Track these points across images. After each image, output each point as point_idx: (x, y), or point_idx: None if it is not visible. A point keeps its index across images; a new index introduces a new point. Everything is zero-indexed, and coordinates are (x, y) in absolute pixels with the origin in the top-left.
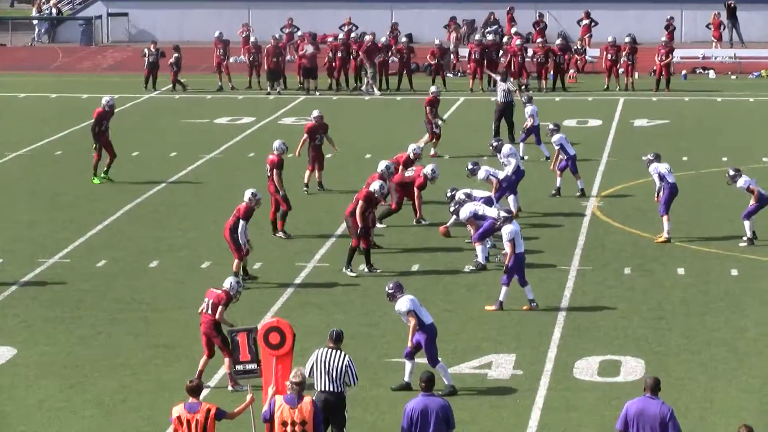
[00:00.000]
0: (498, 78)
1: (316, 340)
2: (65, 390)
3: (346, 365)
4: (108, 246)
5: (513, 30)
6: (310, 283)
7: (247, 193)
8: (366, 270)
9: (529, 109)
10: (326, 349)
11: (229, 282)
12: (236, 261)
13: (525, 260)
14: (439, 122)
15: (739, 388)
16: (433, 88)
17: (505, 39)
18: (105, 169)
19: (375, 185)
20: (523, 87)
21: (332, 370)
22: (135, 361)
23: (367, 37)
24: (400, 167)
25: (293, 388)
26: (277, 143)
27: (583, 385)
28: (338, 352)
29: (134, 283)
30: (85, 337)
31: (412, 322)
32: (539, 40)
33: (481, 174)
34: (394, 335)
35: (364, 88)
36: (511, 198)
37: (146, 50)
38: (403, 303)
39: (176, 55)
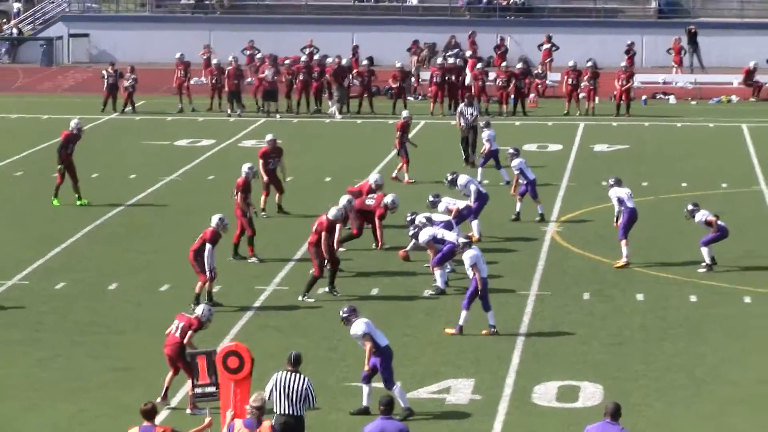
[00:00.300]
0: (464, 104)
1: (275, 364)
2: (23, 412)
3: (305, 388)
4: (67, 268)
5: (469, 54)
6: (270, 306)
7: (215, 218)
8: (328, 290)
9: (486, 133)
10: (285, 372)
11: (201, 309)
12: (199, 284)
13: (488, 285)
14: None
15: (697, 414)
16: (404, 113)
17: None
18: (77, 195)
19: (332, 211)
20: (483, 111)
21: (292, 393)
22: (93, 384)
23: (334, 60)
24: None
25: (253, 413)
26: (245, 166)
27: (541, 410)
28: (297, 375)
29: (93, 306)
30: (43, 359)
31: (368, 345)
32: (503, 64)
33: (441, 207)
34: (354, 358)
35: (330, 110)
36: (474, 223)
37: (104, 72)
38: (359, 326)
39: (133, 76)
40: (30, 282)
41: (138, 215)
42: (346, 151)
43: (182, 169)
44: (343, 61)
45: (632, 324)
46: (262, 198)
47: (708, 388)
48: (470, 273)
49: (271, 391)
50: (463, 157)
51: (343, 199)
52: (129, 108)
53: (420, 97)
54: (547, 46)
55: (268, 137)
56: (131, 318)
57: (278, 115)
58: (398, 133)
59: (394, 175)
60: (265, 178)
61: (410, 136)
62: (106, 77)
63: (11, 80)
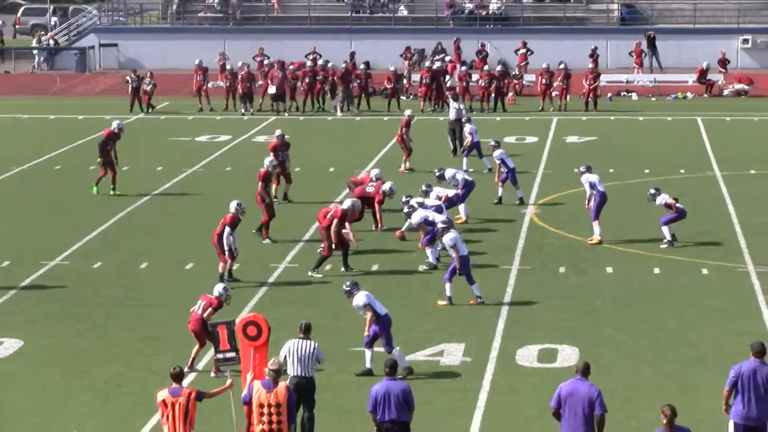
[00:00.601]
0: (451, 99)
1: (287, 332)
2: (66, 378)
3: (314, 349)
4: (103, 250)
5: (449, 58)
6: (282, 281)
7: (233, 204)
8: (343, 269)
9: (468, 127)
10: (297, 339)
11: (217, 289)
12: (221, 264)
13: (470, 261)
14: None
15: (661, 374)
16: (408, 111)
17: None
18: (112, 186)
19: (347, 203)
20: (468, 108)
21: (303, 357)
22: (127, 351)
23: (342, 64)
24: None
25: (270, 375)
26: (267, 160)
27: (524, 370)
28: (307, 341)
29: (126, 283)
30: (83, 330)
31: (368, 314)
32: (486, 67)
33: (432, 195)
34: (357, 327)
35: (337, 108)
36: (461, 207)
37: (128, 78)
38: (360, 298)
39: (152, 81)
40: (70, 262)
41: (165, 203)
42: (346, 145)
43: (203, 162)
44: (342, 65)
45: (603, 294)
46: (273, 187)
47: (671, 350)
48: (451, 252)
49: (285, 356)
50: (451, 148)
51: (351, 201)
52: (149, 109)
53: (411, 96)
54: (522, 50)
55: (277, 132)
56: (160, 293)
57: (286, 114)
58: (403, 129)
59: (402, 168)
60: (279, 168)
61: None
62: (129, 82)
63: (49, 85)
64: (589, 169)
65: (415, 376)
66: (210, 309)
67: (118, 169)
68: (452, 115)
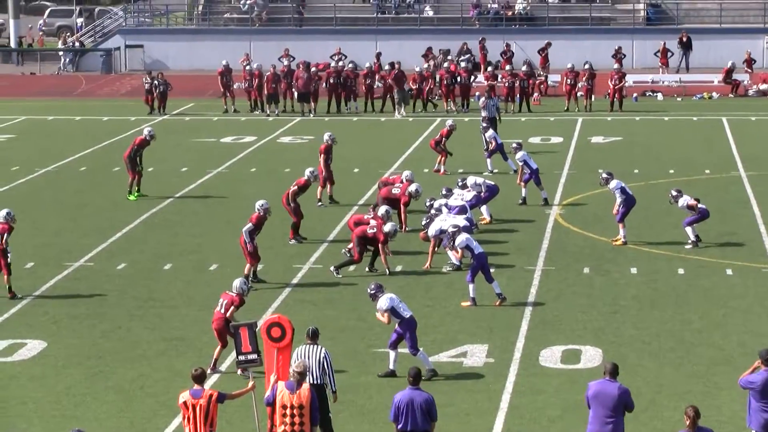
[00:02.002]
0: (485, 96)
1: None
2: (89, 378)
3: (323, 357)
4: (127, 251)
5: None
6: (306, 283)
7: (258, 204)
8: (368, 270)
9: (489, 133)
10: (305, 345)
11: (236, 284)
12: (248, 265)
13: (487, 259)
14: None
15: (685, 374)
16: (449, 121)
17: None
18: (129, 190)
19: (389, 227)
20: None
21: (312, 364)
22: (151, 352)
23: (395, 66)
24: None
25: (294, 376)
26: (307, 171)
27: (548, 371)
28: (316, 347)
29: (150, 284)
30: (106, 331)
31: (385, 317)
32: (508, 67)
33: (456, 194)
34: (381, 328)
35: (398, 113)
36: (483, 208)
37: (144, 80)
38: (383, 301)
39: (163, 81)
40: (94, 263)
41: (189, 204)
42: (371, 146)
43: (227, 163)
44: (366, 65)
45: (626, 295)
46: (319, 190)
47: (695, 350)
48: (456, 254)
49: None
50: (484, 147)
51: (393, 226)
52: (161, 110)
53: (437, 97)
54: (545, 51)
55: (326, 136)
56: (183, 294)
57: (311, 115)
58: (443, 138)
59: (442, 170)
60: (324, 172)
61: (427, 132)
62: (150, 83)
63: (75, 86)
64: (611, 175)
65: (439, 376)
66: (232, 307)
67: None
68: (488, 113)
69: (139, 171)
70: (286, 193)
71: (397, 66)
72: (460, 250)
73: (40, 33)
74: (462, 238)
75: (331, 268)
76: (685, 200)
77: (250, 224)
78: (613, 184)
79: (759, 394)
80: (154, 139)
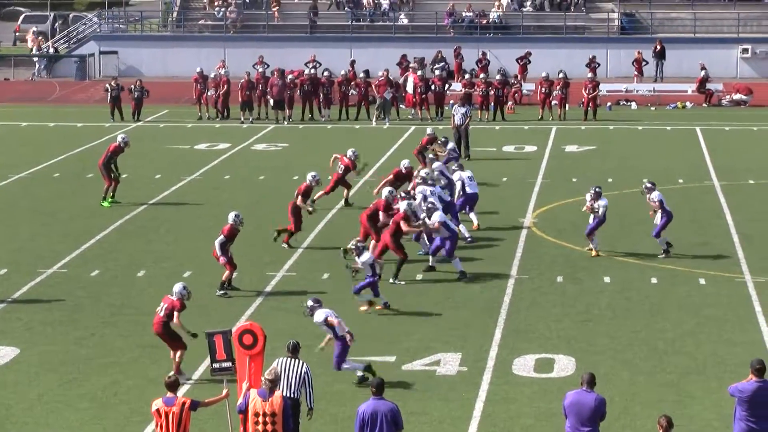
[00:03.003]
0: (457, 103)
1: (284, 341)
2: (63, 385)
3: (304, 372)
4: (101, 258)
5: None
6: (280, 290)
7: (231, 215)
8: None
9: (450, 145)
10: (286, 358)
11: (176, 289)
12: (226, 272)
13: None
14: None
15: (658, 383)
16: (429, 129)
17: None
18: (103, 197)
19: (403, 205)
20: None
21: (291, 377)
22: (124, 359)
23: (381, 73)
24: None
25: (266, 384)
26: (309, 175)
27: (521, 380)
28: (296, 361)
29: (124, 291)
30: (80, 338)
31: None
32: (482, 75)
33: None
34: (357, 336)
35: (374, 121)
36: (472, 215)
37: (107, 86)
38: (320, 315)
39: (143, 88)
40: (68, 270)
41: (163, 211)
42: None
43: (201, 170)
44: (341, 73)
45: (600, 303)
46: (320, 194)
47: (668, 359)
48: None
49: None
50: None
51: (386, 190)
52: (135, 116)
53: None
54: (523, 60)
55: (349, 152)
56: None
57: (285, 122)
58: (424, 146)
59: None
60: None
61: (401, 140)
62: (109, 90)
63: (49, 92)
64: (655, 185)
65: (411, 384)
66: (176, 313)
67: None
68: (457, 121)
69: (115, 178)
70: (292, 202)
71: (384, 74)
72: (438, 224)
73: (34, 35)
74: (438, 214)
75: (391, 280)
76: (658, 195)
77: (222, 236)
78: (655, 194)
79: (746, 404)
80: (128, 146)
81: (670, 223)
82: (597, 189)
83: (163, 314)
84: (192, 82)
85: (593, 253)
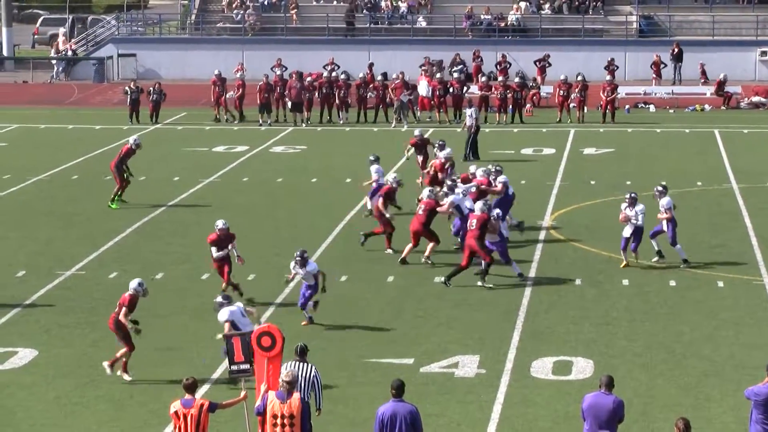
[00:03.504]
0: (467, 107)
1: (302, 342)
2: (80, 387)
3: (313, 376)
4: (118, 260)
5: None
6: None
7: (133, 283)
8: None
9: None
10: (294, 362)
11: (131, 284)
12: (224, 284)
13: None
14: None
15: (676, 385)
16: (416, 132)
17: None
18: (112, 198)
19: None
20: (483, 120)
21: (300, 381)
22: (142, 361)
23: (395, 75)
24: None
25: (284, 386)
26: (390, 176)
27: (539, 382)
28: (305, 364)
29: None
30: (97, 340)
31: (227, 327)
32: (500, 78)
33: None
34: (371, 339)
35: (393, 123)
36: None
37: (127, 88)
38: (223, 314)
39: (157, 90)
40: (86, 272)
41: (181, 213)
42: (364, 156)
43: (220, 172)
44: (359, 75)
45: (618, 306)
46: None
47: (686, 362)
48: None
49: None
50: (463, 154)
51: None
52: (153, 119)
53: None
54: (542, 63)
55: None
56: (175, 304)
57: (303, 124)
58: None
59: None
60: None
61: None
62: (129, 93)
63: (67, 95)
64: (666, 189)
65: (430, 387)
66: (124, 309)
67: (132, 180)
68: (468, 122)
69: (126, 179)
70: (375, 206)
71: (400, 76)
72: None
73: (63, 39)
74: (452, 197)
75: (443, 280)
76: (668, 201)
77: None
78: (665, 200)
79: (762, 407)
80: (140, 147)
81: (676, 228)
82: (632, 195)
83: (116, 310)
84: (210, 84)
85: (624, 263)
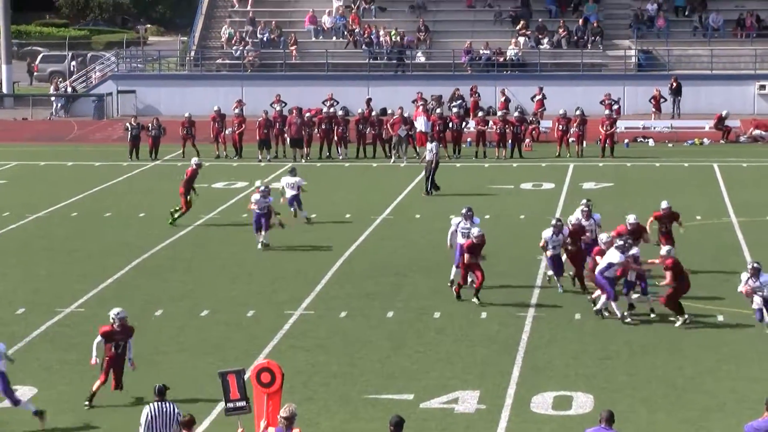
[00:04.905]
0: (428, 141)
1: (302, 378)
2: (80, 426)
3: (176, 414)
4: (118, 297)
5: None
6: (297, 328)
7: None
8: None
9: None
10: (155, 403)
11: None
12: None
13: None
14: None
15: (677, 420)
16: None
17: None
18: (173, 217)
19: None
20: (482, 155)
21: (164, 422)
22: (142, 399)
23: (394, 111)
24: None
25: (282, 422)
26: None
27: (539, 417)
28: (166, 403)
29: (141, 329)
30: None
31: None
32: (500, 112)
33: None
34: (372, 374)
35: (392, 158)
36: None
37: (128, 124)
38: None
39: (156, 126)
40: (85, 309)
41: (180, 249)
42: (362, 191)
43: (219, 209)
44: (358, 111)
45: (618, 340)
46: None
47: (687, 396)
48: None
49: (145, 420)
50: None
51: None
52: (153, 155)
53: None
54: (539, 96)
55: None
56: (175, 340)
57: (303, 160)
58: None
59: None
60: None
61: (417, 179)
62: (129, 129)
63: (67, 132)
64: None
65: (429, 423)
66: (98, 339)
67: (129, 215)
68: (428, 157)
69: (190, 201)
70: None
71: (399, 111)
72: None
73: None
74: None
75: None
76: (669, 250)
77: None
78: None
79: None
80: (201, 167)
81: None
82: (756, 265)
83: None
84: (210, 120)
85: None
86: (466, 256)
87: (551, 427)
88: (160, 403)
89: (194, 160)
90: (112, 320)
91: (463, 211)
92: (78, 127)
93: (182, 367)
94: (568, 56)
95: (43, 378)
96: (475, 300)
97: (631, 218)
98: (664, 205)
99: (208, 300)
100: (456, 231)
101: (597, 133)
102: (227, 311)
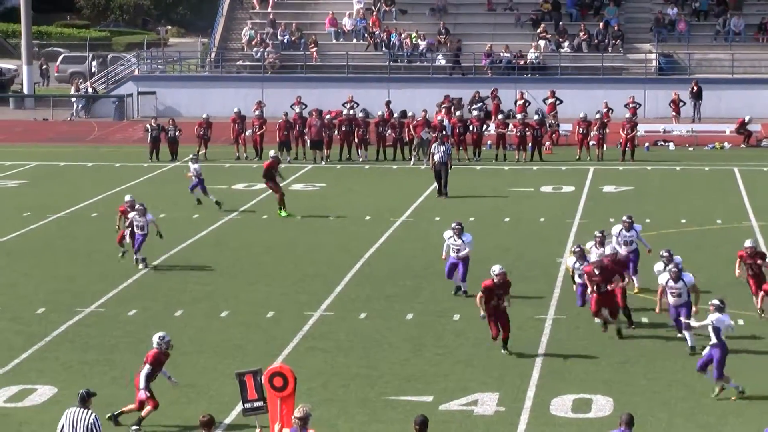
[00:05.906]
0: (436, 142)
1: (322, 380)
2: (102, 425)
3: (92, 423)
4: (138, 297)
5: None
6: (317, 330)
7: (155, 338)
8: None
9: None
10: (75, 408)
11: (154, 339)
12: (148, 408)
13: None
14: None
15: (696, 424)
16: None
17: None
18: (279, 207)
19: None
20: (502, 158)
21: (79, 427)
22: (161, 399)
23: (414, 113)
24: None
25: (297, 423)
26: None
27: (558, 420)
28: (86, 410)
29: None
30: (117, 377)
31: None
32: (519, 115)
33: (608, 249)
34: (391, 375)
35: (412, 161)
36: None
37: (148, 126)
38: None
39: (173, 128)
40: (105, 309)
41: (200, 250)
42: (383, 194)
43: (239, 210)
44: (378, 113)
45: (637, 344)
46: None
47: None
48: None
49: (63, 426)
50: (437, 189)
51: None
52: (173, 156)
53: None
54: (551, 99)
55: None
56: (194, 341)
57: (323, 162)
58: None
59: None
60: None
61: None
62: (149, 131)
63: (87, 132)
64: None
65: (448, 425)
66: (147, 367)
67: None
68: (437, 158)
69: (278, 186)
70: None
71: (423, 114)
72: None
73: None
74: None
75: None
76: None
77: (147, 366)
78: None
79: None
80: (278, 159)
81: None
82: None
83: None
84: (230, 122)
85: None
86: (484, 299)
87: (570, 430)
88: (79, 409)
89: (271, 152)
90: (158, 345)
91: (453, 225)
92: (98, 128)
93: (202, 367)
94: (588, 59)
95: (63, 378)
96: (504, 352)
97: (748, 243)
98: (748, 243)
99: (228, 301)
100: (448, 245)
101: (617, 137)
102: (247, 312)
